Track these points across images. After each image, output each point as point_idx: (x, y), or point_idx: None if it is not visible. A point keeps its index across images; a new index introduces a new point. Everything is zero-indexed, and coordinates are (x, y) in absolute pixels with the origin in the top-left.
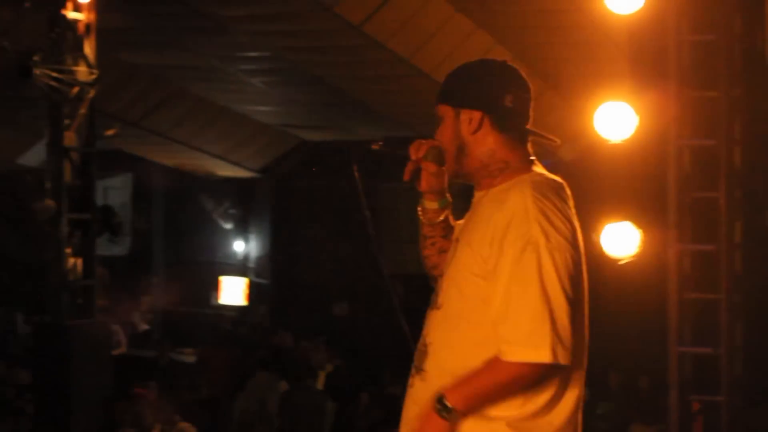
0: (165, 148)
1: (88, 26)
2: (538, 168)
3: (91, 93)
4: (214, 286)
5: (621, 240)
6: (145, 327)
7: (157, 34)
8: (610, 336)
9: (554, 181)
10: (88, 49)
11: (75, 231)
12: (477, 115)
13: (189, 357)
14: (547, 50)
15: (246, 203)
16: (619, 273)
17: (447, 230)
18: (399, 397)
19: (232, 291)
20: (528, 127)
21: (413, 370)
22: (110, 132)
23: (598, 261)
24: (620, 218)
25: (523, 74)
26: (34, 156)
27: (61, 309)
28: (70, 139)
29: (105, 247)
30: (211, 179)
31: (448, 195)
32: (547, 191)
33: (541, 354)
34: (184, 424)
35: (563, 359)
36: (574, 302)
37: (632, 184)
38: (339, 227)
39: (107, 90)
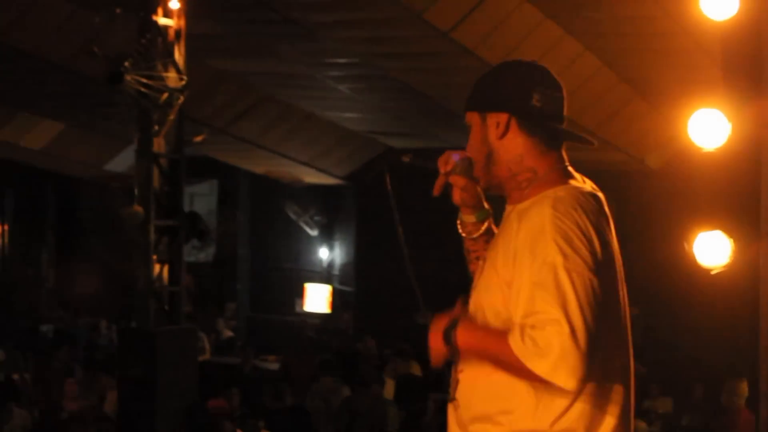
0: (252, 154)
1: (178, 32)
2: (573, 179)
3: (180, 99)
4: (299, 293)
5: (713, 249)
6: (229, 334)
7: (246, 41)
8: (700, 346)
9: (583, 195)
10: (178, 55)
11: (162, 237)
12: (504, 117)
13: (272, 364)
14: (637, 57)
15: (332, 210)
16: (711, 283)
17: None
18: None
19: (317, 298)
20: (562, 127)
21: (449, 397)
22: (198, 138)
23: (689, 270)
24: (712, 227)
25: (553, 74)
26: (122, 162)
27: (147, 315)
28: (158, 145)
29: (190, 254)
30: (297, 186)
31: (486, 205)
32: (571, 208)
33: (541, 366)
34: None
35: (565, 382)
36: (593, 327)
37: (725, 193)
38: (424, 235)
39: (195, 96)
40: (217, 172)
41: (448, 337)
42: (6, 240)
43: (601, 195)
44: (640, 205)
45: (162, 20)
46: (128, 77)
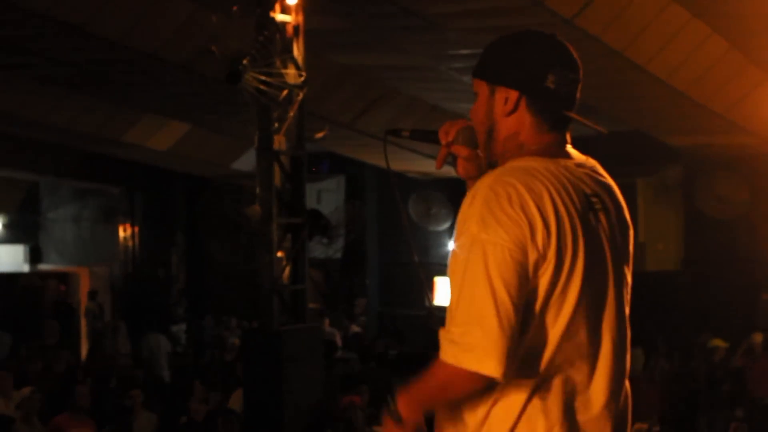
0: (378, 149)
1: (296, 28)
2: (565, 158)
3: (300, 96)
4: (429, 287)
5: None
6: (356, 329)
7: (368, 35)
8: None
9: (552, 171)
10: (297, 51)
11: (285, 235)
12: (514, 94)
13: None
14: (765, 39)
15: (460, 202)
16: None
17: None
18: None
19: (447, 291)
20: (571, 113)
21: None
22: (319, 135)
23: None
24: None
25: (573, 51)
26: (248, 161)
27: (272, 314)
28: (279, 142)
29: (319, 251)
30: (424, 180)
31: None
32: (522, 174)
33: (468, 360)
34: None
35: (494, 369)
36: (508, 304)
37: None
38: None
39: (319, 92)
40: (343, 168)
41: (395, 417)
42: (136, 241)
43: (607, 181)
44: None
45: (280, 17)
46: (247, 75)
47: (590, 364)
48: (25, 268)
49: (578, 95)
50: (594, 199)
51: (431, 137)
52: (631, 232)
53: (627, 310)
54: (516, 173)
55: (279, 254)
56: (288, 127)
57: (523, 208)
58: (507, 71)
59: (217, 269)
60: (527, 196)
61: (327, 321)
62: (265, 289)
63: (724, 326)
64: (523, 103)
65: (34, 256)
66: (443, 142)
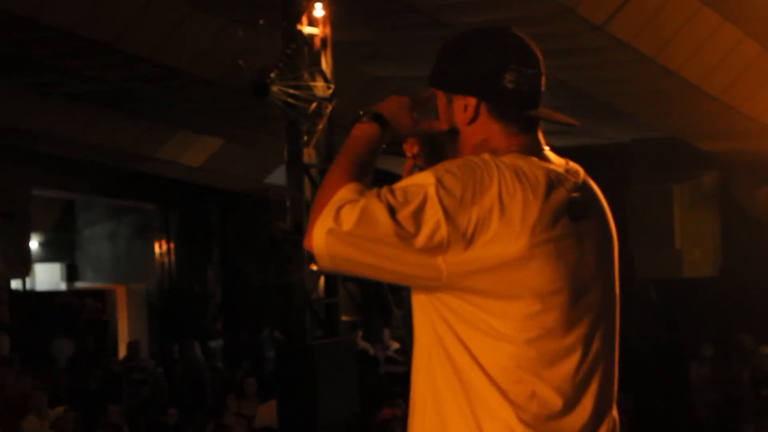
0: (400, 159)
1: (324, 40)
2: (542, 160)
3: (329, 108)
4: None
5: None
6: (396, 346)
7: (397, 46)
8: None
9: (519, 167)
10: (325, 63)
11: None
12: (472, 101)
13: None
14: None
15: None
16: None
17: None
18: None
19: None
20: (539, 110)
21: None
22: None
23: None
24: None
25: (531, 43)
26: (282, 175)
27: (304, 328)
28: (309, 155)
29: None
30: None
31: None
32: (482, 162)
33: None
34: None
35: (315, 246)
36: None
37: None
38: None
39: (351, 104)
40: (375, 178)
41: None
42: (172, 257)
43: (590, 185)
44: None
45: (307, 29)
46: (275, 89)
47: (569, 384)
48: (62, 286)
49: (543, 90)
50: (575, 201)
51: (398, 150)
52: (616, 242)
53: (617, 325)
54: (487, 160)
55: (313, 268)
56: (317, 140)
57: (485, 184)
58: (459, 77)
59: (254, 284)
60: (502, 183)
61: (360, 333)
62: (298, 303)
63: (763, 331)
64: (483, 109)
65: (71, 274)
66: (408, 154)
